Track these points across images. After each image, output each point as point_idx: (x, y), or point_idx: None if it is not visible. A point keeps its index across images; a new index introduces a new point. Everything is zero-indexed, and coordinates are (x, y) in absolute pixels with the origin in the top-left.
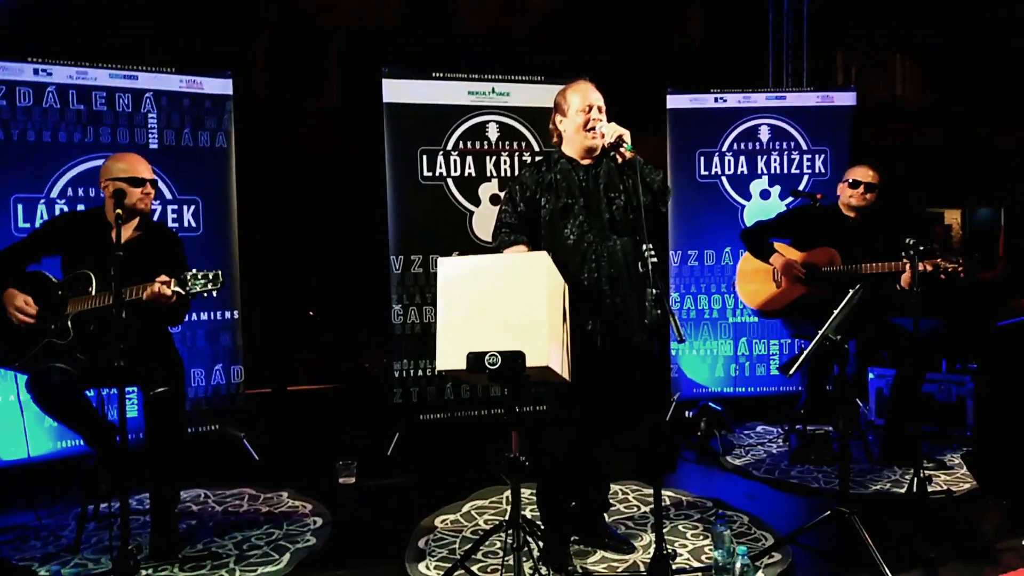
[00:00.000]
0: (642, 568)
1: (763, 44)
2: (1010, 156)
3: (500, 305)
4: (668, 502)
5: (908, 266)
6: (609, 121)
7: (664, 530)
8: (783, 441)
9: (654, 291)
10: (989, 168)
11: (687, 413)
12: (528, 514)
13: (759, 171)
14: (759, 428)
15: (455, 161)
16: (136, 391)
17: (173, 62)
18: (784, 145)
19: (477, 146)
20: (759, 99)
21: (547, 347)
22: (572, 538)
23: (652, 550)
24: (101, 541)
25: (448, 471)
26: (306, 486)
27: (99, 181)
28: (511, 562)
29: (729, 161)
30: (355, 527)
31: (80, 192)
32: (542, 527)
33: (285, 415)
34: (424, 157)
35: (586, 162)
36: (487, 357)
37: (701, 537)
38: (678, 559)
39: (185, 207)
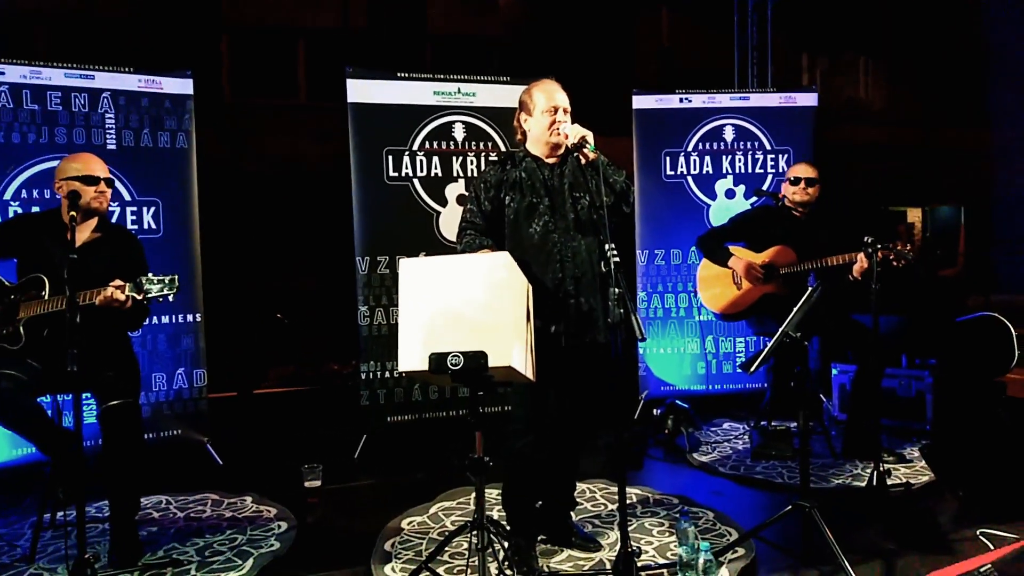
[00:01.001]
0: (607, 566)
1: (728, 46)
2: (970, 156)
3: (462, 305)
4: (635, 499)
5: (860, 256)
6: (574, 122)
7: (630, 527)
8: (748, 438)
9: (617, 290)
10: (950, 168)
11: (655, 411)
12: (495, 514)
13: (724, 171)
14: (726, 425)
15: (421, 161)
16: (91, 397)
17: (133, 61)
18: (748, 145)
19: (443, 146)
20: (723, 100)
21: (510, 347)
22: (539, 537)
23: (618, 548)
24: (58, 550)
25: (415, 473)
26: (271, 490)
27: (54, 182)
28: (477, 563)
29: (695, 161)
30: (320, 531)
31: (35, 194)
32: (508, 527)
33: (251, 419)
34: (390, 157)
35: (551, 160)
36: (450, 358)
37: (667, 534)
38: (643, 556)
39: (145, 208)
